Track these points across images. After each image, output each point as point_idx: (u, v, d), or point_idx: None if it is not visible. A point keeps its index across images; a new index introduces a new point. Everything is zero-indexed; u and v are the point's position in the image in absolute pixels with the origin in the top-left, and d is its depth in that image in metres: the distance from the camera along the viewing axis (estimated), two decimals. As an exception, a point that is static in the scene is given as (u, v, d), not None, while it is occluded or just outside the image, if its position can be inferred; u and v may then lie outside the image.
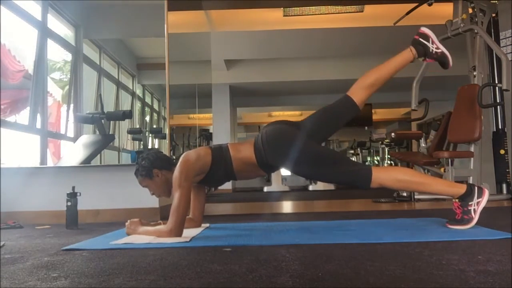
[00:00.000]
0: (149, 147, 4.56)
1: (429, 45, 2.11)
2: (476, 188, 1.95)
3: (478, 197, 1.94)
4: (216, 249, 1.59)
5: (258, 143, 2.02)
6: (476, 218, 1.94)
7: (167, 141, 3.69)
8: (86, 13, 4.05)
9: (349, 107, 2.08)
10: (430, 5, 4.20)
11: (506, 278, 1.04)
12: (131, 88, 4.75)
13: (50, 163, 3.66)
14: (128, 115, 4.03)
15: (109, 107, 4.34)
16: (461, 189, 1.95)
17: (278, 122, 2.09)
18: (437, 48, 2.11)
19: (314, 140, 2.02)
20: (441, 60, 2.14)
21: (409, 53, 2.10)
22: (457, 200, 1.97)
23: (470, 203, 1.94)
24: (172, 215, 1.86)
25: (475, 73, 4.05)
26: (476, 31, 3.98)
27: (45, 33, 3.68)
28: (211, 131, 9.17)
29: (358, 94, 2.07)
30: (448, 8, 4.22)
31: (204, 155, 2.01)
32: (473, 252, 1.38)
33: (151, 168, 2.06)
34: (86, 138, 3.80)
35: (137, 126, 4.65)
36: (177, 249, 1.62)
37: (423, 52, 2.11)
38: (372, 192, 6.13)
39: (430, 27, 2.15)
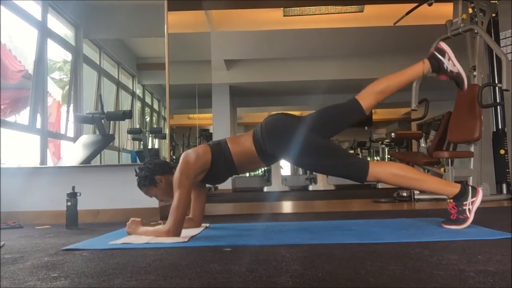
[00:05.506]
0: (149, 147, 4.57)
1: (445, 61, 2.06)
2: (470, 187, 1.97)
3: (472, 197, 1.95)
4: (216, 249, 1.59)
5: (257, 133, 2.03)
6: (471, 217, 1.95)
7: (167, 141, 3.69)
8: (86, 13, 4.05)
9: (355, 110, 2.05)
10: (430, 5, 4.20)
11: (506, 278, 1.04)
12: (131, 88, 4.75)
13: (50, 163, 3.66)
14: (128, 115, 4.03)
15: (109, 107, 4.33)
16: (456, 188, 1.96)
17: (278, 113, 2.10)
18: (453, 66, 2.06)
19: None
20: (456, 79, 2.09)
21: (421, 65, 2.07)
22: (451, 200, 1.98)
23: (464, 203, 1.94)
24: (171, 215, 1.86)
25: (475, 73, 4.05)
26: (476, 31, 3.98)
27: (45, 33, 3.68)
28: (211, 131, 9.18)
29: (366, 99, 2.05)
30: (448, 8, 4.21)
31: (203, 153, 2.01)
32: (473, 252, 1.38)
33: (153, 176, 2.05)
34: (86, 138, 3.80)
35: (137, 126, 4.65)
36: (177, 249, 1.62)
37: (437, 67, 2.06)
38: (372, 192, 6.13)
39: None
